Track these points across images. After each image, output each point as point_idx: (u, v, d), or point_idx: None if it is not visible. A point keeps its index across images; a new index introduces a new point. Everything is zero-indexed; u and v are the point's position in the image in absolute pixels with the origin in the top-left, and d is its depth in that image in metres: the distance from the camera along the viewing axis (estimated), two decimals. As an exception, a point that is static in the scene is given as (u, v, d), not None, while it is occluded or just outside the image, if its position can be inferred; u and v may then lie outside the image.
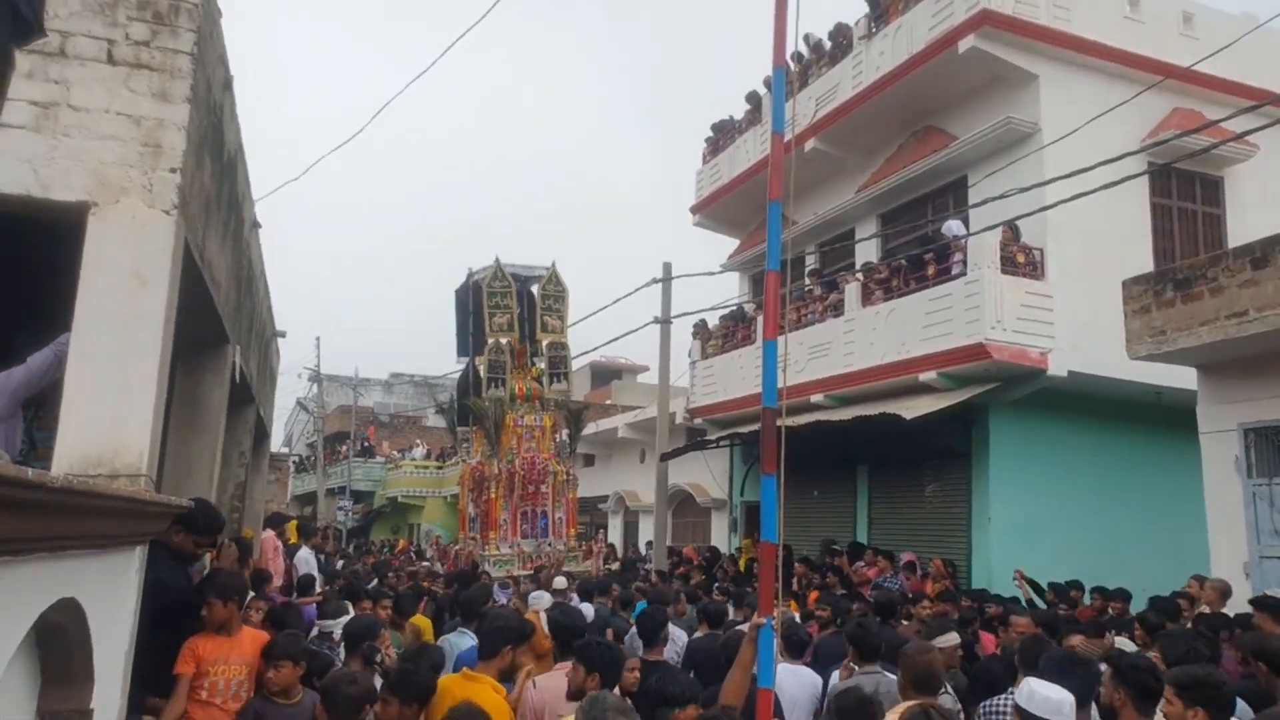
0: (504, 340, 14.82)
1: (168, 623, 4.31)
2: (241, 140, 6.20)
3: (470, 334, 15.66)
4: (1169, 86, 11.93)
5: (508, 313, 14.92)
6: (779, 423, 3.87)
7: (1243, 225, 12.18)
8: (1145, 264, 11.16)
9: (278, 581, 8.82)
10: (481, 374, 15.10)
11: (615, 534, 24.36)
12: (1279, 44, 13.34)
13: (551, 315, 15.25)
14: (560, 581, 10.25)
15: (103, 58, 4.07)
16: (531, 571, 12.71)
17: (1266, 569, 8.67)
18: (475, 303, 15.39)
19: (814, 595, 10.68)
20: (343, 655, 5.41)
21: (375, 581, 10.48)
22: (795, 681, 5.35)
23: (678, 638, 6.89)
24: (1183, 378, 9.78)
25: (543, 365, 14.99)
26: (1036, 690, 3.47)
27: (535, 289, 15.50)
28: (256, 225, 7.78)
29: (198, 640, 4.48)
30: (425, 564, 15.98)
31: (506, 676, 4.43)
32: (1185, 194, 13.02)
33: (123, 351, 3.77)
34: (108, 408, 3.69)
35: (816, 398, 13.67)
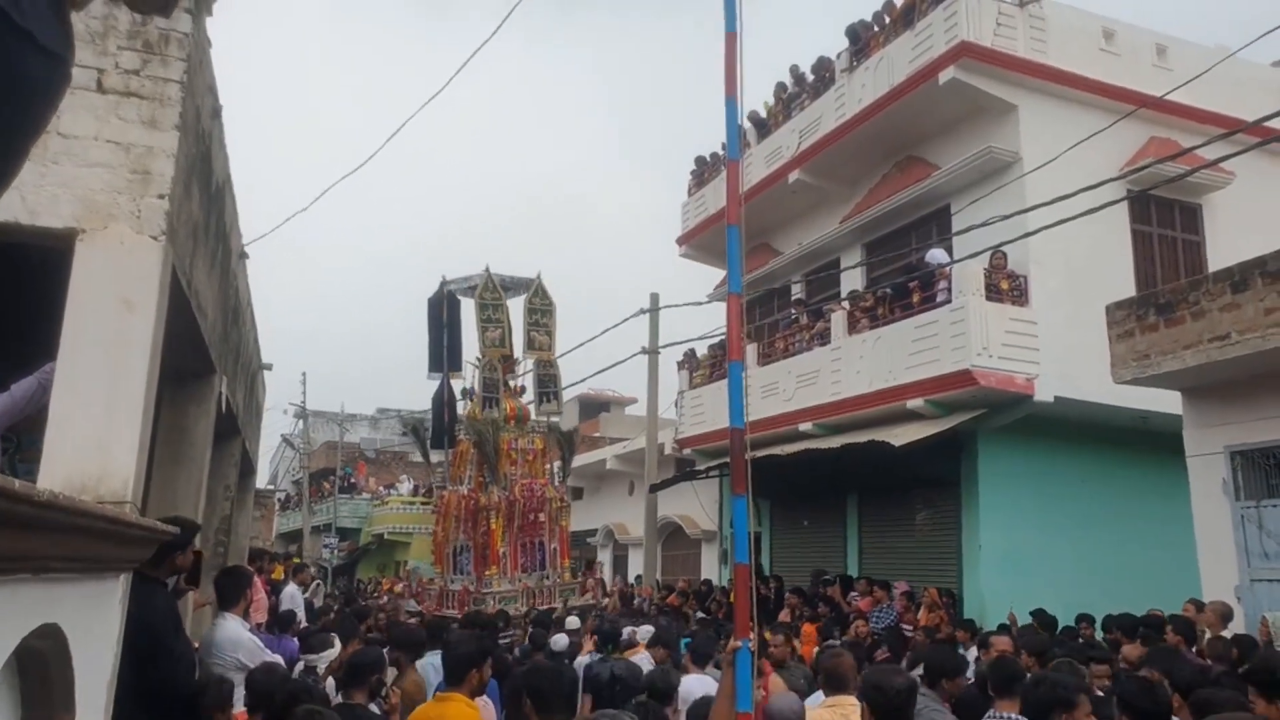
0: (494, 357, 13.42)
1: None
2: (229, 170, 6.21)
3: (444, 347, 14.09)
4: (1145, 116, 12.09)
5: (500, 326, 13.51)
6: (747, 454, 3.85)
7: (1222, 250, 12.30)
8: (1127, 290, 11.24)
9: (261, 617, 8.71)
10: (457, 392, 13.84)
11: (605, 568, 24.17)
12: (1250, 74, 13.57)
13: (539, 331, 13.81)
14: (573, 621, 9.48)
15: (92, 86, 4.08)
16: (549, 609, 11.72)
17: (1258, 591, 8.68)
18: (450, 314, 14.01)
19: (807, 628, 10.61)
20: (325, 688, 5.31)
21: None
22: (701, 688, 5.37)
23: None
24: (1168, 402, 9.79)
25: (521, 384, 13.79)
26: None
27: (518, 301, 14.07)
28: (244, 256, 7.77)
29: None
30: (402, 601, 13.95)
31: (476, 693, 4.46)
32: (1165, 221, 13.19)
33: (109, 377, 3.74)
34: (93, 433, 3.65)
35: (805, 426, 13.69)
